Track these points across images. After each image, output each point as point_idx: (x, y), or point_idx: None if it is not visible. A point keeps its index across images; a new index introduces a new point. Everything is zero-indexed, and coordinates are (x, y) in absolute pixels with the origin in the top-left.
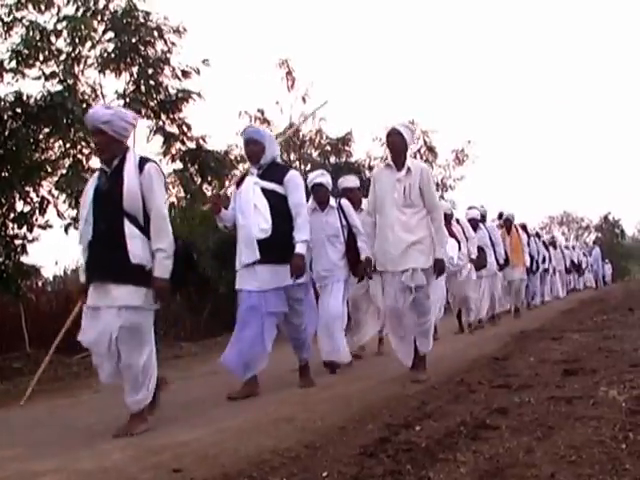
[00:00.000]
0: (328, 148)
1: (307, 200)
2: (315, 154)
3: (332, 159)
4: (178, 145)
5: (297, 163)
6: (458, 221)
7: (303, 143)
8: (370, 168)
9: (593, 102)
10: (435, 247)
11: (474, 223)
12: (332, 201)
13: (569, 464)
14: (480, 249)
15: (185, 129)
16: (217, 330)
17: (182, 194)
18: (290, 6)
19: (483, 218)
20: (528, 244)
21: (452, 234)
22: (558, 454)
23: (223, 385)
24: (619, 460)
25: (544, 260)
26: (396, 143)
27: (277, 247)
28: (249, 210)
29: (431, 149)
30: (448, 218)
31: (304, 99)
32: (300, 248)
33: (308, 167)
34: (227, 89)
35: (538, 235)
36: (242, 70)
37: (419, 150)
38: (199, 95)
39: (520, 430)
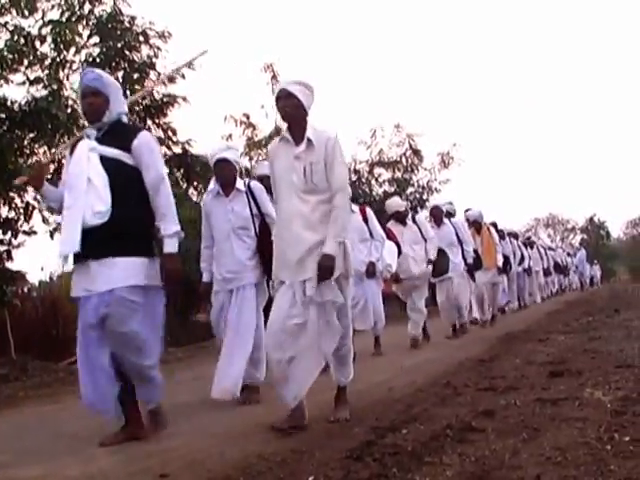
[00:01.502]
0: None
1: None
2: None
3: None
4: (164, 150)
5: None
6: (414, 219)
7: None
8: (356, 172)
9: (578, 105)
10: (327, 240)
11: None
12: (240, 184)
13: (555, 465)
14: (440, 252)
15: (171, 134)
16: (203, 335)
17: None
18: (275, 10)
19: (450, 216)
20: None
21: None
22: (544, 456)
23: (209, 391)
24: (604, 461)
25: (522, 261)
26: (288, 108)
27: (118, 238)
28: (80, 186)
29: (416, 152)
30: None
31: None
32: (171, 245)
33: None
34: (212, 93)
35: (515, 235)
36: (227, 74)
37: (404, 153)
38: (184, 99)
39: (506, 432)
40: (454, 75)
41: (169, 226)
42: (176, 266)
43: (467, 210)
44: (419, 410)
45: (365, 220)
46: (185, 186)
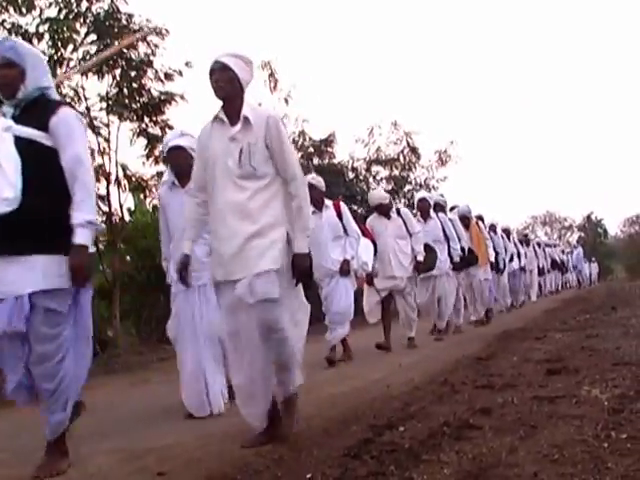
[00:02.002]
0: (311, 150)
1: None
2: (298, 155)
3: (315, 161)
4: (161, 147)
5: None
6: (399, 212)
7: None
8: (353, 169)
9: (576, 103)
10: (295, 237)
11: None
12: None
13: (552, 463)
14: (428, 247)
15: (168, 131)
16: None
17: None
18: (273, 8)
19: (441, 209)
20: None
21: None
22: (541, 453)
23: None
24: (601, 459)
25: (512, 258)
26: (222, 82)
27: (30, 231)
28: None
29: (414, 150)
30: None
31: (287, 101)
32: (82, 236)
33: None
34: (210, 91)
35: (508, 231)
36: None
37: (402, 151)
38: (182, 97)
39: (503, 430)
40: (451, 73)
41: (81, 214)
42: (81, 261)
43: (453, 208)
44: (417, 408)
45: (339, 215)
46: None
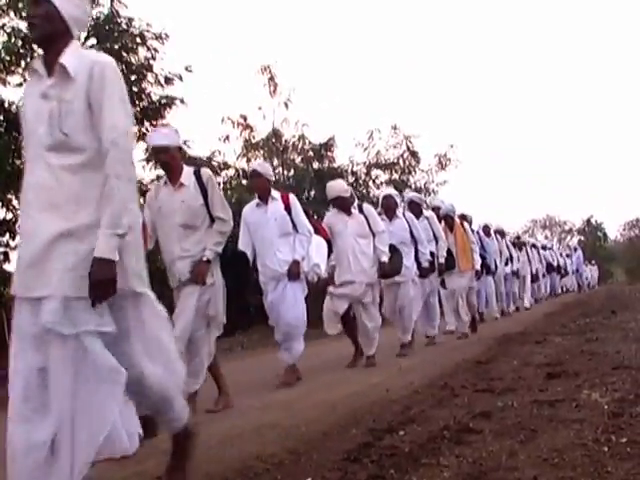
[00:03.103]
0: (311, 154)
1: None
2: (298, 160)
3: (315, 165)
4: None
5: (280, 169)
6: (361, 208)
7: (286, 149)
8: (353, 173)
9: (576, 107)
10: (99, 236)
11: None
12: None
13: (552, 467)
14: (392, 248)
15: None
16: None
17: None
18: (273, 12)
19: (417, 208)
20: (479, 244)
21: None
22: (541, 457)
23: (204, 392)
24: (601, 463)
25: (507, 262)
26: (38, 19)
27: None
28: None
29: (414, 154)
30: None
31: (286, 105)
32: None
33: (291, 173)
34: (210, 95)
35: (502, 233)
36: (225, 76)
37: (402, 155)
38: (182, 101)
39: (503, 434)
40: (451, 77)
41: None
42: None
43: (435, 208)
44: (416, 411)
45: (287, 209)
46: None
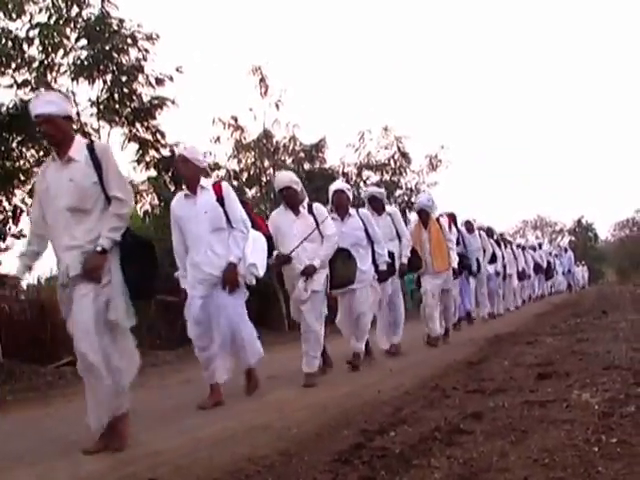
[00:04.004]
0: (302, 155)
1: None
2: (289, 161)
3: (306, 166)
4: (152, 152)
5: (271, 170)
6: (310, 208)
7: (277, 150)
8: (344, 174)
9: (567, 107)
10: None
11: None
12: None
13: (542, 467)
14: (344, 253)
15: (159, 136)
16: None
17: (156, 201)
18: (264, 12)
19: (377, 203)
20: (461, 241)
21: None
22: (531, 458)
23: (198, 394)
24: (592, 463)
25: (493, 260)
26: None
27: None
28: None
29: (404, 155)
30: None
31: (277, 106)
32: None
33: None
34: (201, 96)
35: (490, 231)
36: (216, 77)
37: (393, 156)
38: (173, 102)
39: (494, 434)
40: (441, 78)
41: None
42: None
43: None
44: (407, 413)
45: (220, 200)
46: (174, 189)
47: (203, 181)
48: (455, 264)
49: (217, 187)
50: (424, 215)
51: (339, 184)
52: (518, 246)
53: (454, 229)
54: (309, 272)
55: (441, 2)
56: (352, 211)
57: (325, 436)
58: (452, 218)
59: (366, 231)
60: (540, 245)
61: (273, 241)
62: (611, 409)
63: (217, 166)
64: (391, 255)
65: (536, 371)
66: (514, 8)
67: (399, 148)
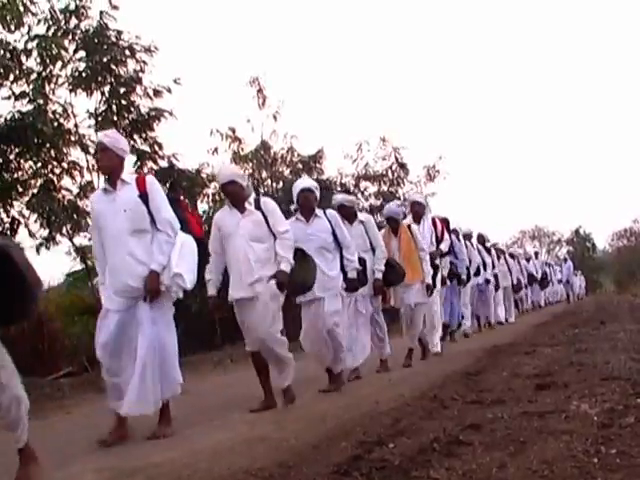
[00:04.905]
0: (300, 166)
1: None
2: (287, 172)
3: (304, 177)
4: (150, 164)
5: (269, 181)
6: (258, 203)
7: (275, 161)
8: (342, 185)
9: (564, 117)
10: None
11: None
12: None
13: (541, 479)
14: (301, 255)
15: (157, 148)
16: (191, 349)
17: None
18: (261, 24)
19: (344, 210)
20: (452, 249)
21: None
22: (531, 469)
23: (196, 405)
24: (591, 474)
25: (479, 271)
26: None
27: None
28: None
29: (402, 165)
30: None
31: (275, 117)
32: None
33: (280, 185)
34: (199, 107)
35: (482, 239)
36: (213, 88)
37: (390, 167)
38: (171, 114)
39: (493, 446)
40: (439, 89)
41: None
42: None
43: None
44: (406, 424)
45: (144, 197)
46: None
47: (125, 174)
48: (428, 278)
49: (141, 181)
50: (393, 223)
51: (305, 182)
52: (511, 256)
53: (446, 235)
54: (283, 281)
55: (438, 12)
56: (319, 212)
57: (323, 447)
58: (445, 223)
59: (334, 234)
60: (536, 254)
61: (206, 246)
62: (610, 420)
63: (215, 177)
64: (362, 262)
65: (535, 382)
66: (512, 18)
67: (397, 159)
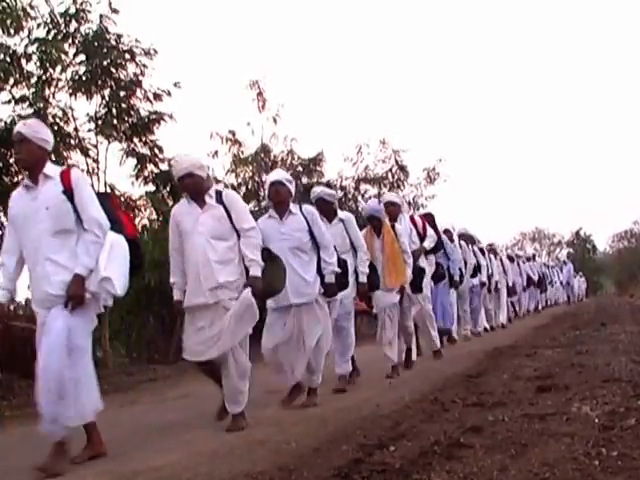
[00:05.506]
0: (300, 169)
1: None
2: (288, 174)
3: (304, 179)
4: (150, 167)
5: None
6: (220, 196)
7: (275, 164)
8: (342, 188)
9: (564, 120)
10: None
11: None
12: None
13: None
14: (268, 254)
15: (157, 151)
16: None
17: (154, 216)
18: (261, 27)
19: (326, 206)
20: (443, 248)
21: None
22: (532, 472)
23: (196, 408)
24: (592, 476)
25: (476, 272)
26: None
27: None
28: None
29: (402, 168)
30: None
31: (275, 120)
32: None
33: None
34: (199, 110)
35: (470, 238)
36: (213, 92)
37: (390, 169)
38: (171, 117)
39: (494, 448)
40: (439, 91)
41: None
42: None
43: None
44: (407, 427)
45: (68, 193)
46: (172, 203)
47: (48, 168)
48: (408, 280)
49: (65, 175)
50: (375, 222)
51: (276, 174)
52: (509, 258)
53: (430, 231)
54: (258, 288)
55: (438, 14)
56: (294, 208)
57: (324, 451)
58: (428, 219)
59: (311, 233)
60: (534, 256)
61: (140, 248)
62: (611, 422)
63: (215, 181)
64: (343, 264)
65: (535, 384)
66: (512, 21)
67: (397, 161)
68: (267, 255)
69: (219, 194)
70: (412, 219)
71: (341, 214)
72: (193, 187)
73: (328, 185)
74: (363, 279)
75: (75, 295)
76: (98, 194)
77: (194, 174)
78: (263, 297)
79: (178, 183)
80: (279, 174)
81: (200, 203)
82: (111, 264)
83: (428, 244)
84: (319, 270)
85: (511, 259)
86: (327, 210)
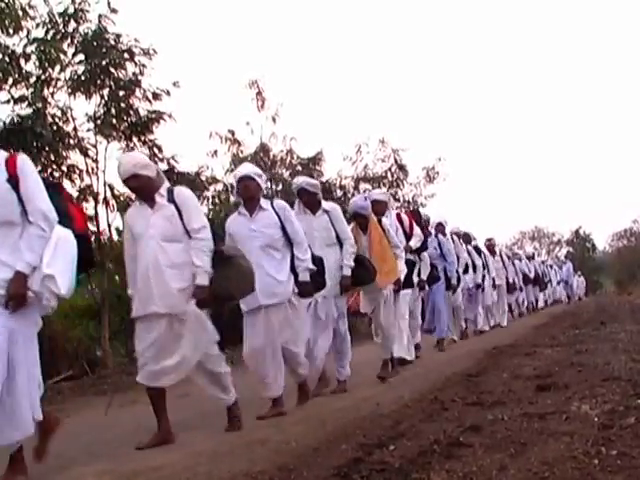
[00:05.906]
0: (299, 168)
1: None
2: (286, 174)
3: (244, 163)
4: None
5: (268, 183)
6: (172, 194)
7: (274, 163)
8: (341, 187)
9: (564, 118)
10: None
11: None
12: None
13: None
14: (220, 255)
15: (156, 151)
16: None
17: None
18: (260, 26)
19: (310, 198)
20: (438, 247)
21: None
22: (531, 471)
23: (196, 408)
24: (592, 475)
25: (467, 270)
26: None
27: None
28: None
29: (402, 167)
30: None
31: (274, 119)
32: None
33: (279, 187)
34: (198, 110)
35: (467, 236)
36: (213, 91)
37: (390, 168)
38: (170, 116)
39: (493, 447)
40: (439, 90)
41: None
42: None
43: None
44: (406, 426)
45: (13, 182)
46: None
47: None
48: (402, 275)
49: (11, 162)
50: (361, 219)
51: (245, 168)
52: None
53: (417, 230)
54: (202, 298)
55: (437, 14)
56: (265, 203)
57: (324, 450)
58: (414, 215)
59: (284, 229)
60: (533, 255)
61: (90, 244)
62: (611, 421)
63: (214, 180)
64: (319, 261)
65: (535, 383)
66: (511, 21)
67: (396, 160)
68: (218, 259)
69: (170, 192)
70: (398, 217)
71: (326, 205)
72: (140, 188)
73: (310, 175)
74: (347, 272)
75: (16, 294)
76: (47, 184)
77: (139, 174)
78: (215, 306)
79: (124, 185)
80: (247, 168)
81: (150, 204)
82: (55, 261)
83: (414, 243)
84: (293, 269)
85: (507, 257)
86: (310, 201)
